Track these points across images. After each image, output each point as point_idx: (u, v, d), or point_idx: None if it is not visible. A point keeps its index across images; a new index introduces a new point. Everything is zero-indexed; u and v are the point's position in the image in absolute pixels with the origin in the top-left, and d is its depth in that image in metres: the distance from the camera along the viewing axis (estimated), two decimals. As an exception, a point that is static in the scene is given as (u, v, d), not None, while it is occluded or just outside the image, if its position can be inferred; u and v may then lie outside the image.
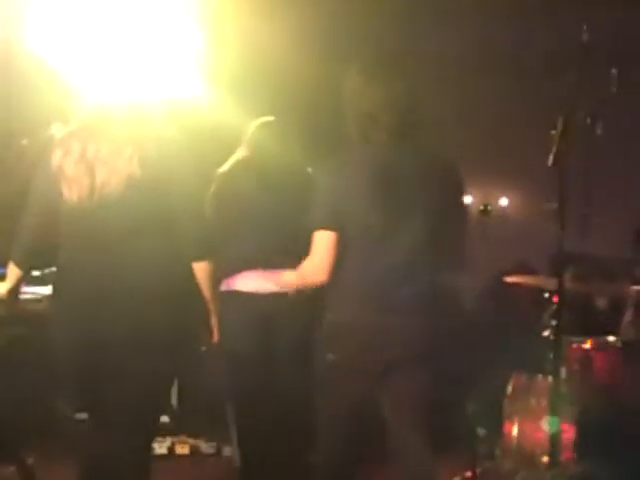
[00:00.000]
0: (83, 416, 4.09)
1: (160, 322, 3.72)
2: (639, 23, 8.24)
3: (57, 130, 4.00)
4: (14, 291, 4.06)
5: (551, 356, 4.27)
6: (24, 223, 3.97)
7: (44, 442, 5.48)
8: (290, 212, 4.75)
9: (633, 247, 6.18)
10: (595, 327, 5.52)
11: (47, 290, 4.11)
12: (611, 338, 5.19)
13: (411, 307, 3.67)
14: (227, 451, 5.84)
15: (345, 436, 3.81)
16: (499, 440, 5.15)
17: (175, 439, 6.03)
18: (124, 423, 3.78)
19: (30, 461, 4.93)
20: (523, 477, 4.78)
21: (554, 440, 4.16)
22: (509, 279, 5.59)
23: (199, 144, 4.02)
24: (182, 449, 6.03)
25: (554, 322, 4.26)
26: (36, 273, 4.68)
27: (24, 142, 4.92)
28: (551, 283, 4.43)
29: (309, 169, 5.05)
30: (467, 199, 11.05)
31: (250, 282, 4.91)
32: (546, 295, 5.00)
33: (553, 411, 4.15)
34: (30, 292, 4.61)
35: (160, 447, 5.85)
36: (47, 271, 4.35)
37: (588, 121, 4.47)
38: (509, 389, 5.17)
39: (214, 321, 3.98)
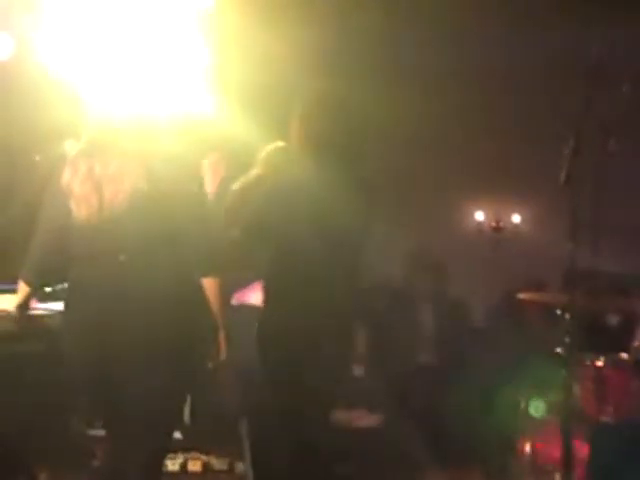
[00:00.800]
0: (96, 432, 4.10)
1: (171, 337, 3.73)
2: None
3: (69, 146, 4.01)
4: (23, 306, 4.09)
5: (563, 373, 4.25)
6: (34, 241, 4.00)
7: (57, 458, 5.48)
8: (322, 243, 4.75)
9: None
10: (608, 344, 5.49)
11: (59, 306, 4.12)
12: (623, 355, 5.17)
13: None
14: (240, 467, 5.82)
15: None
16: (513, 456, 5.14)
17: (187, 455, 6.02)
18: (137, 438, 3.79)
19: (42, 478, 4.93)
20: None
21: (568, 457, 4.15)
22: (521, 296, 5.58)
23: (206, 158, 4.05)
24: (194, 466, 6.01)
25: (566, 339, 4.25)
26: (48, 289, 4.69)
27: (37, 158, 4.94)
28: (563, 299, 4.42)
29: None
30: (479, 215, 11.04)
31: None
32: (558, 312, 4.98)
33: (565, 428, 4.14)
34: (42, 308, 4.62)
35: (172, 464, 5.84)
36: (59, 287, 4.35)
37: (600, 138, 4.47)
38: (523, 405, 5.16)
39: (222, 337, 3.99)
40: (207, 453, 6.10)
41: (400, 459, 5.83)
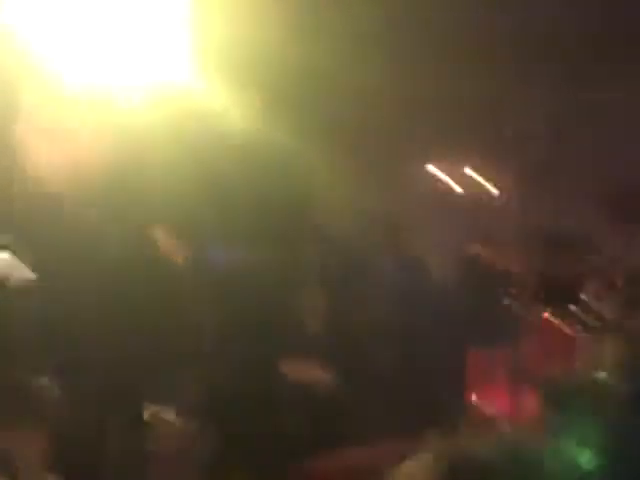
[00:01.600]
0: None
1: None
2: None
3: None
4: None
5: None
6: None
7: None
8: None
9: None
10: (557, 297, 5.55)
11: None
12: (572, 307, 5.22)
13: None
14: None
15: None
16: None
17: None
18: None
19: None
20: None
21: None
22: (473, 250, 5.62)
23: (184, 129, 4.04)
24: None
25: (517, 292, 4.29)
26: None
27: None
28: (516, 255, 4.46)
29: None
30: (435, 171, 11.02)
31: None
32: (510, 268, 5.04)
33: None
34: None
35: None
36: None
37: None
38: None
39: None
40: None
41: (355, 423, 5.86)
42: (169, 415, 4.64)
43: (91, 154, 3.79)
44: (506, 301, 4.92)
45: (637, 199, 6.19)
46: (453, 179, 8.42)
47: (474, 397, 5.13)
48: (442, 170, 11.00)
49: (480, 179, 10.11)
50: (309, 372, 6.11)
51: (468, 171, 11.18)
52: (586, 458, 3.54)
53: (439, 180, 7.99)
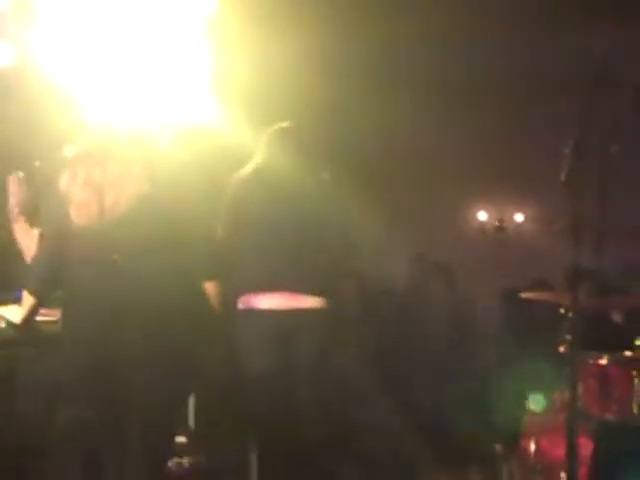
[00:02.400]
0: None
1: (173, 340, 3.73)
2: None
3: (68, 152, 4.01)
4: (28, 320, 4.06)
5: (566, 371, 4.25)
6: (38, 250, 3.99)
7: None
8: (299, 223, 4.81)
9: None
10: (611, 342, 5.50)
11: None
12: (627, 353, 5.17)
13: None
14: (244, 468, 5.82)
15: None
16: (517, 456, 5.14)
17: (192, 458, 6.01)
18: (139, 441, 3.79)
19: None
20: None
21: (572, 456, 4.15)
22: (525, 295, 5.58)
23: (210, 165, 4.06)
24: (198, 468, 6.01)
25: (569, 337, 4.25)
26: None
27: (36, 164, 4.95)
28: (566, 298, 4.42)
29: (325, 177, 5.09)
30: (481, 215, 11.07)
31: (270, 300, 4.92)
32: (562, 311, 4.99)
33: (570, 426, 4.14)
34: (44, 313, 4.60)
35: (178, 467, 5.83)
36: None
37: (603, 138, 4.48)
38: (527, 405, 5.16)
39: (225, 340, 4.01)
40: (211, 456, 6.10)
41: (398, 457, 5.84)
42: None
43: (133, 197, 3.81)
44: (562, 347, 4.87)
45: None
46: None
47: (529, 442, 5.09)
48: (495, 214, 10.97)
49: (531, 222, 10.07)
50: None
51: (520, 216, 11.20)
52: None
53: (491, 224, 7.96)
